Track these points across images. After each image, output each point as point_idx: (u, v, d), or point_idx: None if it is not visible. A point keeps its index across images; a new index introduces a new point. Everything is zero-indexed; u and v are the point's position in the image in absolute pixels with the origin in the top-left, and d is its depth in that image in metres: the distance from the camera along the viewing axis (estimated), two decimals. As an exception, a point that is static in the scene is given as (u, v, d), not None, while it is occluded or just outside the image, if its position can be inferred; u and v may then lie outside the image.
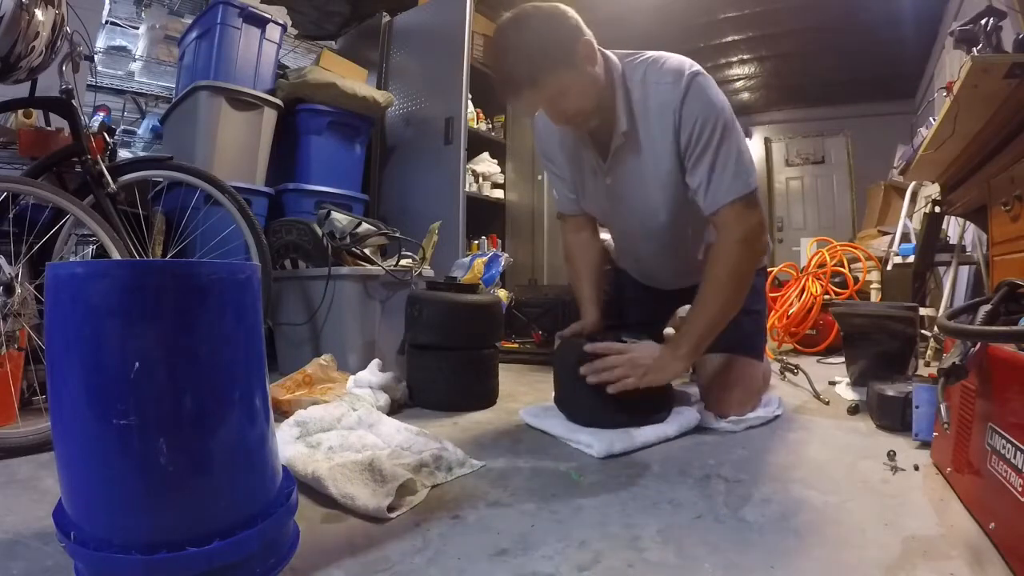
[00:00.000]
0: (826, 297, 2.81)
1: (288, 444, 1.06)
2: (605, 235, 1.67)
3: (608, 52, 1.22)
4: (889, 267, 2.97)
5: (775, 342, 2.83)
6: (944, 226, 2.54)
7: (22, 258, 1.23)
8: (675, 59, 1.20)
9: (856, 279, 2.97)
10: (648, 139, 1.21)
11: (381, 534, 0.78)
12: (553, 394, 1.39)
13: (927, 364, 2.17)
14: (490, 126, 3.66)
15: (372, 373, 1.49)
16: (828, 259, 3.11)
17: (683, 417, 1.29)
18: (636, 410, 1.24)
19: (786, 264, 3.32)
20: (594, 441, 1.13)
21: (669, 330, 1.77)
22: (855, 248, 3.17)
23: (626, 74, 1.21)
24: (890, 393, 1.28)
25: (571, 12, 1.13)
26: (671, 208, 1.28)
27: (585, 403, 1.25)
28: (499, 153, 3.65)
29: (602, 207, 1.41)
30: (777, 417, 1.40)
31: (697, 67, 1.18)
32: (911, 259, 2.61)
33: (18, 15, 1.24)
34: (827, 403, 1.57)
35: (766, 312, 1.57)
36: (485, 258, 2.58)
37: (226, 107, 2.18)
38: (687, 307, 1.51)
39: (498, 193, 3.62)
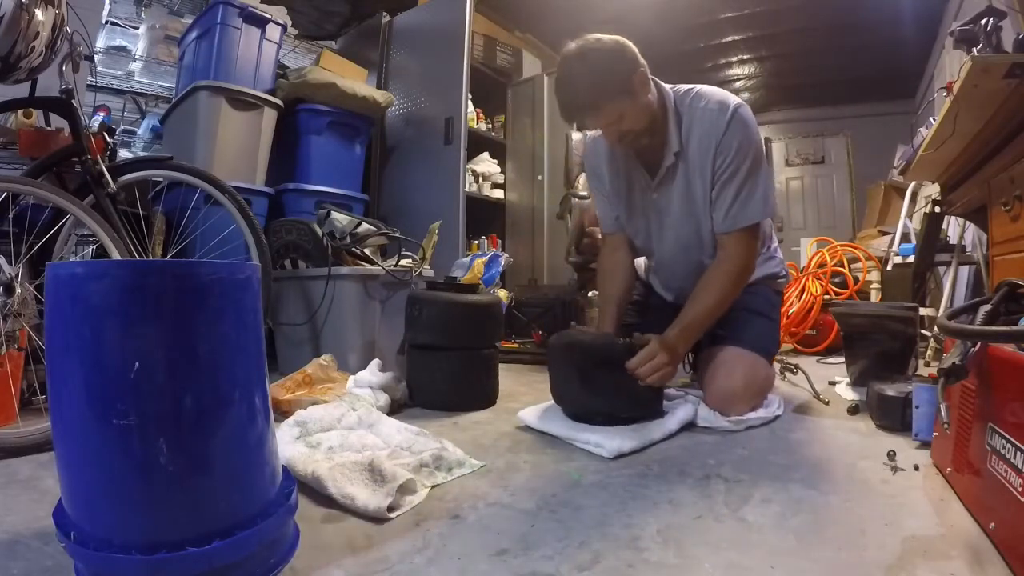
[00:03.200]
0: (826, 297, 2.81)
1: (288, 444, 1.06)
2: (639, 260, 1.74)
3: (659, 81, 1.35)
4: (889, 267, 2.97)
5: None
6: (944, 226, 2.54)
7: (22, 258, 1.23)
8: (720, 91, 1.35)
9: (856, 279, 2.97)
10: (693, 160, 1.34)
11: (381, 534, 0.78)
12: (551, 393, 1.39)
13: (927, 364, 2.17)
14: (490, 126, 3.66)
15: (372, 373, 1.49)
16: (828, 259, 3.11)
17: (681, 411, 1.31)
18: (640, 399, 1.25)
19: (786, 264, 3.32)
20: (604, 441, 1.13)
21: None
22: (855, 248, 3.17)
23: (676, 101, 1.35)
24: (890, 393, 1.28)
25: (629, 45, 1.26)
26: (708, 226, 1.40)
27: (594, 397, 1.25)
28: (499, 153, 3.65)
29: (646, 223, 1.50)
30: (777, 417, 1.40)
31: (740, 101, 1.32)
32: (911, 259, 2.61)
33: (18, 15, 1.24)
34: (827, 403, 1.57)
35: (779, 325, 1.63)
36: (485, 258, 2.58)
37: (226, 107, 2.18)
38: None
39: (498, 193, 3.62)
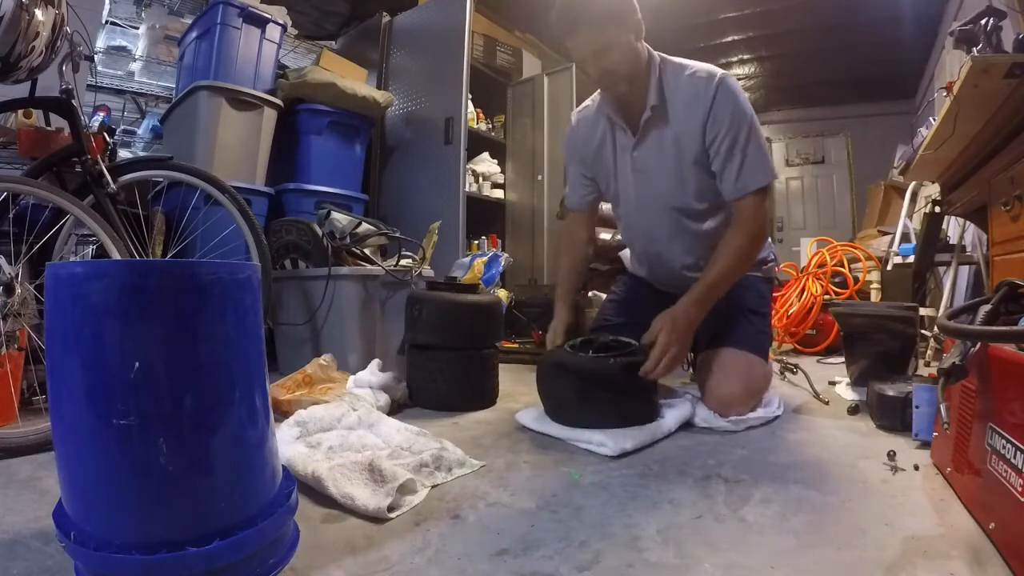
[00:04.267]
0: (826, 297, 2.81)
1: (288, 444, 1.06)
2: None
3: (650, 48, 1.39)
4: (889, 267, 2.97)
5: (776, 342, 2.82)
6: (944, 226, 2.54)
7: (22, 258, 1.23)
8: (706, 64, 1.38)
9: (856, 279, 2.97)
10: (676, 119, 1.37)
11: (381, 534, 0.78)
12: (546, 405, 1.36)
13: (927, 364, 2.17)
14: (490, 126, 3.66)
15: (372, 373, 1.49)
16: (828, 259, 3.11)
17: (680, 409, 1.31)
18: (637, 414, 1.25)
19: (786, 264, 3.32)
20: (606, 440, 1.13)
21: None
22: (855, 248, 3.17)
23: (661, 64, 1.39)
24: (890, 393, 1.28)
25: None
26: (690, 188, 1.42)
27: (592, 416, 1.24)
28: (499, 153, 3.65)
29: (627, 186, 1.51)
30: (777, 417, 1.40)
31: (724, 71, 1.36)
32: (911, 259, 2.61)
33: (18, 15, 1.24)
34: (827, 403, 1.57)
35: (771, 317, 1.65)
36: (485, 258, 2.58)
37: (226, 107, 2.18)
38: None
39: (498, 193, 3.62)
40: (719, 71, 1.35)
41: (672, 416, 1.29)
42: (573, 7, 1.28)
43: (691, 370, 1.83)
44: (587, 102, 1.57)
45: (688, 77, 1.35)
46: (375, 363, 1.53)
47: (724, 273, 1.33)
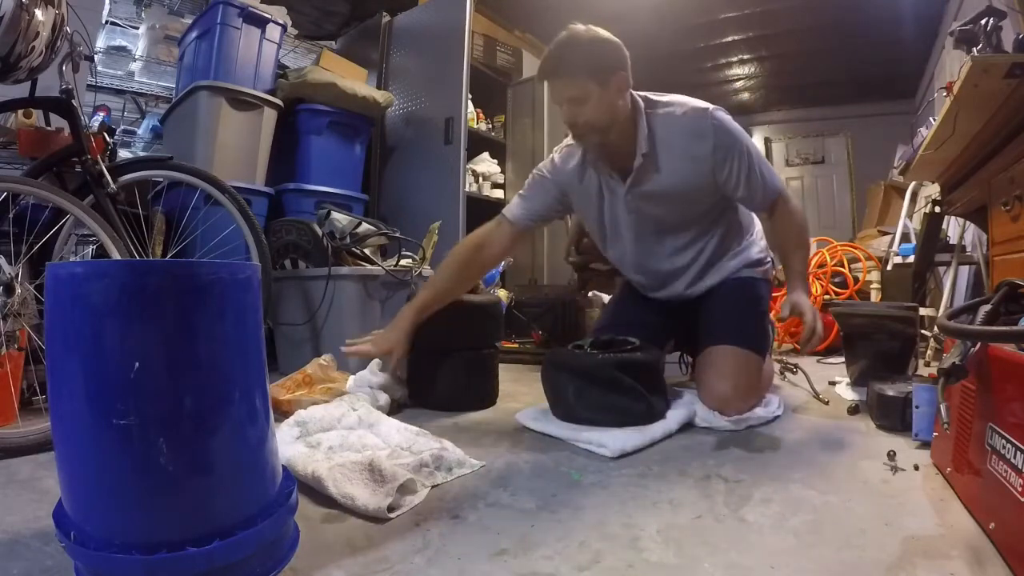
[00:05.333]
0: (826, 297, 2.81)
1: (288, 444, 1.06)
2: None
3: (636, 94, 1.40)
4: (889, 267, 2.97)
5: (776, 341, 2.82)
6: (944, 226, 2.54)
7: (22, 258, 1.23)
8: (691, 100, 1.41)
9: (856, 279, 2.97)
10: (668, 159, 1.40)
11: (381, 534, 0.78)
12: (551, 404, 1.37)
13: (927, 364, 2.17)
14: (490, 126, 3.66)
15: (372, 373, 1.48)
16: (828, 259, 3.11)
17: (680, 411, 1.31)
18: (631, 413, 1.25)
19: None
20: (606, 440, 1.13)
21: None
22: (855, 248, 3.17)
23: (648, 111, 1.40)
24: (890, 393, 1.28)
25: (624, 51, 1.34)
26: (688, 215, 1.49)
27: (590, 404, 1.26)
28: (499, 153, 3.64)
29: (620, 227, 1.54)
30: (777, 417, 1.40)
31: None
32: (911, 259, 2.61)
33: (18, 15, 1.24)
34: (827, 403, 1.57)
35: (769, 316, 1.66)
36: (485, 258, 2.57)
37: (226, 107, 2.18)
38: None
39: (498, 193, 3.62)
40: (708, 105, 1.39)
41: (674, 417, 1.28)
42: (558, 54, 1.31)
43: (689, 371, 1.83)
44: (569, 141, 1.53)
45: (681, 117, 1.38)
46: (375, 363, 1.53)
47: (804, 257, 1.50)
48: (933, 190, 2.78)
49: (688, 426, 1.32)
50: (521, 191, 1.62)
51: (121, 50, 3.21)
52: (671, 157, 1.39)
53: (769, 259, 1.66)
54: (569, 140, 1.53)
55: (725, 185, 1.41)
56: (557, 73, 1.32)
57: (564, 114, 1.36)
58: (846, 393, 1.66)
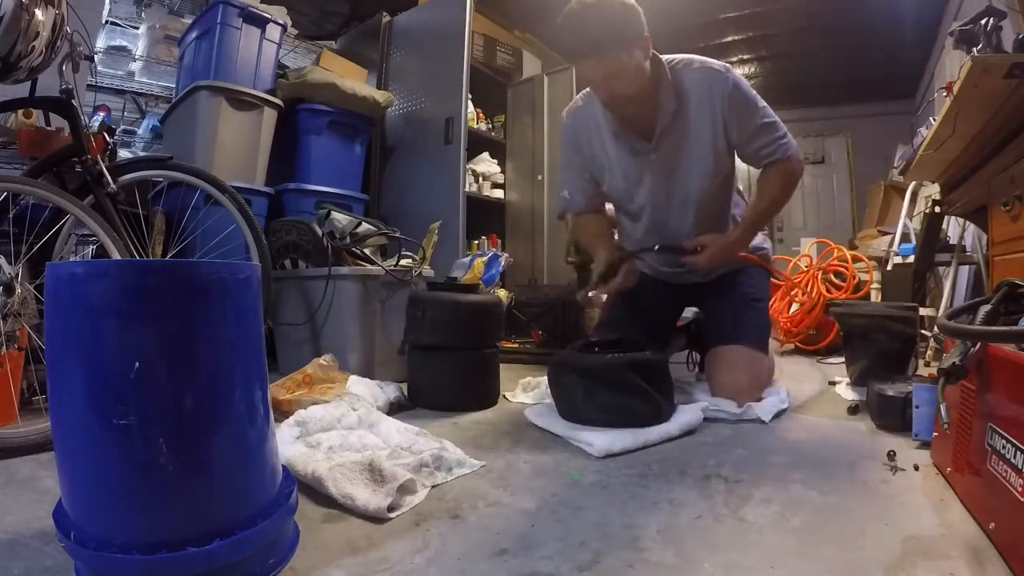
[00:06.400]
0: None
1: (288, 444, 1.06)
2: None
3: (655, 52, 1.39)
4: (889, 267, 2.96)
5: (779, 343, 2.82)
6: (944, 226, 2.54)
7: (22, 258, 1.23)
8: (701, 57, 1.42)
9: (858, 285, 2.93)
10: (696, 115, 1.41)
11: (381, 534, 0.78)
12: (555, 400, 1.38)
13: (927, 364, 2.17)
14: (490, 126, 3.66)
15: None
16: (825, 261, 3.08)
17: (686, 417, 1.30)
18: (638, 413, 1.25)
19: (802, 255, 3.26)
20: (595, 439, 1.13)
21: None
22: (854, 256, 3.14)
23: (672, 65, 1.40)
24: (890, 393, 1.28)
25: (638, 8, 1.31)
26: (711, 172, 1.48)
27: (597, 405, 1.26)
28: (499, 153, 3.64)
29: (639, 187, 1.53)
30: (784, 410, 1.43)
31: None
32: (911, 259, 2.61)
33: (18, 15, 1.24)
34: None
35: (768, 304, 1.72)
36: (485, 258, 2.57)
37: (226, 107, 2.18)
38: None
39: (498, 193, 3.62)
40: (724, 64, 1.40)
41: (676, 423, 1.27)
42: (583, 32, 1.27)
43: (697, 369, 1.85)
44: (577, 101, 1.56)
45: (699, 70, 1.39)
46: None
47: (762, 213, 1.50)
48: (933, 190, 2.77)
49: (689, 432, 1.30)
50: (562, 179, 1.66)
51: (121, 50, 3.21)
52: (693, 109, 1.40)
53: (767, 246, 1.72)
54: (575, 102, 1.56)
55: (739, 137, 1.42)
56: (591, 53, 1.28)
57: (601, 91, 1.35)
58: (846, 393, 1.66)
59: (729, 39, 4.81)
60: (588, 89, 1.48)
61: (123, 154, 2.59)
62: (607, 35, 1.26)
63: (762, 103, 1.42)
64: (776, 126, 1.43)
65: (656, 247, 1.50)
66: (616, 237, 1.68)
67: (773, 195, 1.49)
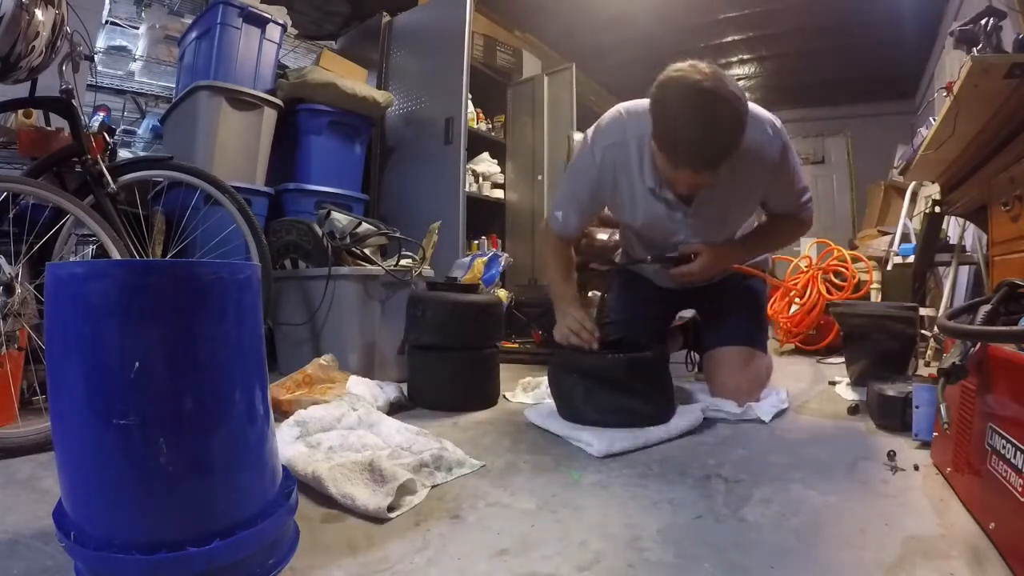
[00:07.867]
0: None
1: (288, 444, 1.06)
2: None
3: None
4: (889, 267, 2.96)
5: (779, 343, 2.82)
6: (944, 226, 2.54)
7: (22, 258, 1.23)
8: (759, 108, 1.27)
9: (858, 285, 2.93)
10: (741, 181, 1.31)
11: (381, 534, 0.78)
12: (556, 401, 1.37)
13: (927, 364, 2.17)
14: (490, 126, 3.67)
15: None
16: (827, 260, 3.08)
17: (686, 418, 1.30)
18: (637, 414, 1.25)
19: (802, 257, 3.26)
20: (594, 440, 1.13)
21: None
22: (854, 256, 3.14)
23: None
24: (890, 393, 1.28)
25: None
26: (739, 224, 1.51)
27: (597, 405, 1.26)
28: (499, 153, 3.65)
29: (655, 229, 1.45)
30: (783, 410, 1.43)
31: (772, 117, 1.32)
32: (911, 259, 2.61)
33: (18, 15, 1.24)
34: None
35: (766, 313, 1.73)
36: (485, 258, 2.57)
37: (226, 107, 2.18)
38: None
39: (498, 193, 3.62)
40: (770, 117, 1.29)
41: (676, 424, 1.27)
42: (715, 141, 1.10)
43: (696, 369, 1.85)
44: (614, 131, 1.34)
45: (752, 131, 1.19)
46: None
47: (766, 248, 1.58)
48: (933, 190, 2.77)
49: (689, 432, 1.29)
50: (562, 199, 1.50)
51: (121, 50, 3.21)
52: (741, 177, 1.29)
53: (766, 254, 1.73)
54: (610, 134, 1.35)
55: (773, 199, 1.43)
56: (723, 158, 1.13)
57: (684, 187, 1.26)
58: (846, 393, 1.66)
59: (729, 39, 4.80)
60: (624, 114, 1.33)
61: (123, 154, 2.59)
62: (738, 139, 1.12)
63: (800, 166, 1.40)
64: (805, 190, 1.43)
65: (649, 258, 1.47)
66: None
67: (782, 238, 1.56)
